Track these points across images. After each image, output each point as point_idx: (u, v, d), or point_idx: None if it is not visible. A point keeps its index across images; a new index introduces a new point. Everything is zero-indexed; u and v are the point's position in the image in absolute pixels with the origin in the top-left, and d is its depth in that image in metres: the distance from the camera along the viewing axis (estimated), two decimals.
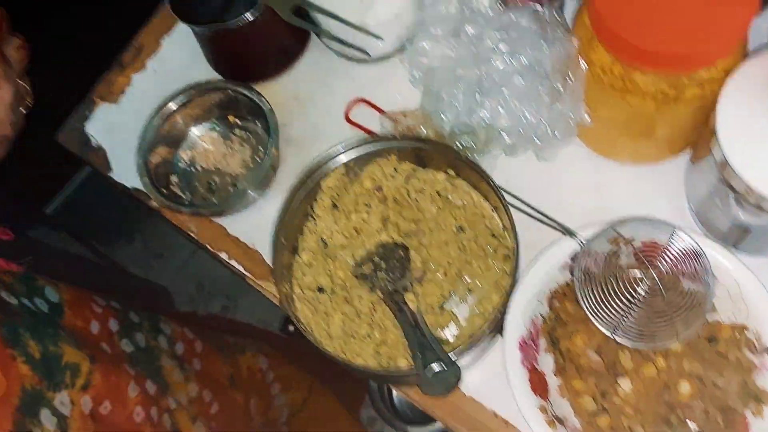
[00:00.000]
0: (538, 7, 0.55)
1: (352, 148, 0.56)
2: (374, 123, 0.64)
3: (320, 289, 0.56)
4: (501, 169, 0.58)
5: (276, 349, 1.03)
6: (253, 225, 0.63)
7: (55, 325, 0.54)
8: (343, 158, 0.57)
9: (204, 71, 0.68)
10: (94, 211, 1.34)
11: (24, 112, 0.51)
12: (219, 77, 0.68)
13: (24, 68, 0.51)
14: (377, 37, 0.58)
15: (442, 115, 0.56)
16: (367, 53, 0.58)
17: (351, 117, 0.65)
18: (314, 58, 0.67)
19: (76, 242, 1.35)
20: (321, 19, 0.60)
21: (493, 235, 0.56)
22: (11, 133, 0.50)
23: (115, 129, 0.68)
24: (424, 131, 0.57)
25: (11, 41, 0.50)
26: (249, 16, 0.59)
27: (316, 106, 0.66)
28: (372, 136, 0.61)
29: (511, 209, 0.54)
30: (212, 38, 0.63)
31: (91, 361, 0.53)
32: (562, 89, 0.51)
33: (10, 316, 0.50)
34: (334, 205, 0.58)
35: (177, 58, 0.70)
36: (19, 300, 0.54)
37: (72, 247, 1.33)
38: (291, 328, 1.18)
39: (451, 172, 0.57)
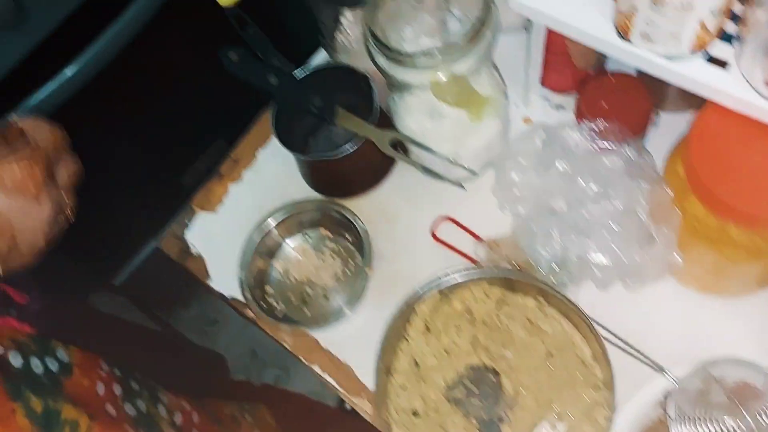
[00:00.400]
0: (626, 147, 0.59)
1: (449, 275, 0.59)
2: (461, 240, 0.67)
3: (415, 413, 0.58)
4: (591, 298, 0.60)
5: (330, 425, 1.04)
6: (344, 337, 0.66)
7: (58, 383, 0.57)
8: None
9: (296, 183, 0.73)
10: (153, 278, 1.39)
11: (64, 224, 0.53)
12: (311, 191, 0.72)
13: (72, 185, 0.53)
14: (473, 172, 0.61)
15: (533, 247, 0.59)
16: (463, 186, 0.62)
17: (437, 234, 0.68)
18: (401, 174, 0.71)
19: (136, 308, 1.39)
20: (415, 149, 0.63)
21: (583, 364, 0.58)
22: (45, 245, 0.52)
23: (213, 237, 0.72)
24: (515, 260, 0.60)
25: (65, 160, 0.52)
26: (349, 148, 0.63)
27: (403, 221, 0.70)
28: (468, 259, 0.64)
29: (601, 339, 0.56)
30: (311, 163, 0.68)
31: (90, 419, 0.55)
32: (656, 235, 0.54)
33: (14, 377, 0.53)
34: (427, 327, 0.61)
35: (271, 169, 0.74)
36: (27, 360, 0.56)
37: (129, 313, 1.37)
38: (348, 406, 1.20)
39: (542, 299, 0.60)
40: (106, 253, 1.26)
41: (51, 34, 0.88)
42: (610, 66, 0.67)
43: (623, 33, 0.52)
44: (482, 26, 0.52)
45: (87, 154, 1.12)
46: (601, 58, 0.66)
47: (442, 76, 0.54)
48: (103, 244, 1.22)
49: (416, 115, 0.61)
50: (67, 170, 0.51)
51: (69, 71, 0.93)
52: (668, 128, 0.64)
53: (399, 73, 0.55)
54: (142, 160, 1.17)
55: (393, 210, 0.70)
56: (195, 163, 1.27)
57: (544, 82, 0.69)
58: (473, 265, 0.64)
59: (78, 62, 0.93)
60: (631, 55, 0.52)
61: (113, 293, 1.39)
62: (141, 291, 1.40)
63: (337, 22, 0.64)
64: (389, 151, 0.62)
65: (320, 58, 0.80)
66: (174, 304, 1.47)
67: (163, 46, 1.05)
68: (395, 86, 0.57)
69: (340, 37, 0.65)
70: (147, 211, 1.28)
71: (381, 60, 0.55)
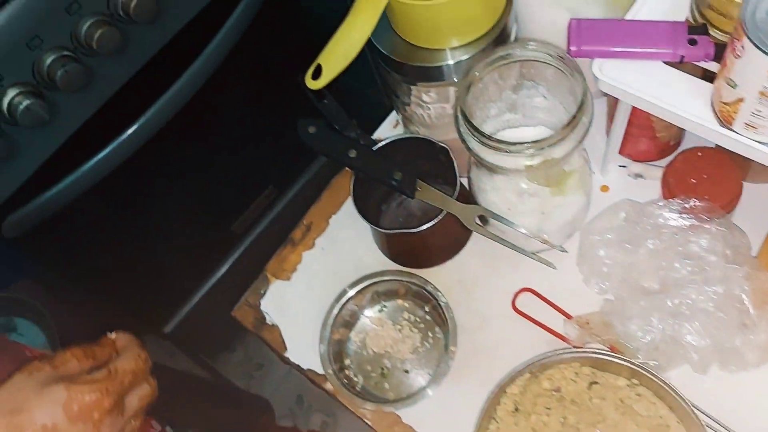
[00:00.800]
0: (718, 225, 0.58)
1: (539, 360, 0.59)
2: (542, 312, 0.66)
3: None
4: (686, 380, 0.59)
5: None
6: (426, 413, 0.65)
7: None
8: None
9: (370, 250, 0.73)
10: (201, 324, 1.39)
11: None
12: (385, 259, 0.72)
13: (141, 410, 0.50)
14: (562, 250, 0.61)
15: (626, 327, 0.58)
16: (553, 266, 0.61)
17: (518, 305, 0.67)
18: (479, 243, 0.71)
19: (182, 354, 1.39)
20: (500, 225, 0.63)
21: None
22: None
23: (288, 306, 0.72)
24: (606, 340, 0.59)
25: (140, 386, 0.49)
26: (430, 223, 0.63)
27: (481, 292, 0.69)
28: (554, 334, 0.63)
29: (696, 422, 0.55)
30: (390, 235, 0.68)
31: None
32: (757, 319, 0.53)
33: None
34: (516, 408, 0.60)
35: (344, 236, 0.74)
36: None
37: (175, 359, 1.38)
38: None
39: (635, 380, 0.59)
40: (156, 302, 1.27)
41: (115, 94, 0.90)
42: (690, 136, 0.66)
43: (725, 121, 0.51)
44: (579, 113, 0.52)
45: (141, 205, 1.13)
46: (683, 130, 0.66)
47: (537, 161, 0.54)
48: (154, 293, 1.23)
49: (503, 192, 0.61)
50: (139, 396, 0.49)
51: (134, 127, 0.95)
52: (755, 199, 0.64)
53: (492, 157, 0.55)
54: (195, 209, 1.18)
55: (470, 279, 0.70)
56: (246, 211, 1.28)
57: (623, 150, 0.69)
58: (563, 343, 0.63)
59: (140, 120, 0.95)
60: (733, 142, 0.51)
61: (159, 338, 1.40)
62: (188, 337, 1.41)
63: (416, 97, 0.64)
64: (475, 228, 0.62)
65: (390, 121, 0.80)
66: (219, 348, 1.47)
67: (222, 101, 1.07)
68: (484, 166, 0.57)
69: (418, 111, 0.65)
70: (197, 259, 1.29)
71: (473, 143, 0.55)
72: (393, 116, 0.80)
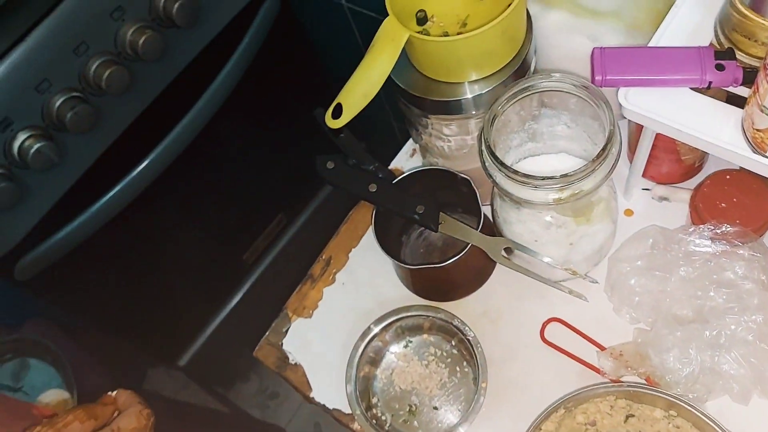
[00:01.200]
0: (752, 250, 0.56)
1: (573, 396, 0.57)
2: (571, 342, 0.65)
3: None
4: (726, 410, 0.57)
5: None
6: None
7: None
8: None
9: (392, 283, 0.71)
10: (214, 355, 1.38)
11: None
12: (408, 292, 0.71)
13: None
14: (593, 281, 0.60)
15: (662, 358, 0.56)
16: (585, 298, 0.60)
17: (546, 336, 0.66)
18: (503, 273, 0.69)
19: (195, 385, 1.38)
20: (526, 256, 0.62)
21: None
22: None
23: (310, 344, 0.71)
24: (641, 371, 0.58)
25: None
26: (455, 257, 0.61)
27: (508, 323, 0.68)
28: (586, 365, 0.62)
29: None
30: (413, 270, 0.66)
31: None
32: None
33: None
34: None
35: (365, 269, 0.73)
36: None
37: (188, 391, 1.36)
38: None
39: (672, 412, 0.57)
40: (169, 335, 1.25)
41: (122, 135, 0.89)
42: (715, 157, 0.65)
43: (759, 147, 0.50)
44: (609, 144, 0.51)
45: (151, 239, 1.12)
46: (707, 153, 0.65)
47: (566, 195, 0.53)
48: (166, 326, 1.21)
49: (529, 224, 0.60)
50: None
51: (143, 165, 0.94)
52: None
53: (519, 191, 0.54)
54: (206, 240, 1.17)
55: (496, 310, 0.68)
56: (256, 240, 1.27)
57: (646, 173, 0.68)
58: (595, 374, 0.61)
59: (153, 153, 0.94)
60: (766, 168, 0.50)
61: (172, 369, 1.38)
62: (203, 369, 1.39)
63: (436, 130, 0.63)
64: (501, 261, 0.61)
65: (406, 150, 0.79)
66: (234, 378, 1.45)
67: (229, 133, 1.06)
68: (510, 199, 0.56)
69: (438, 143, 0.64)
70: (210, 291, 1.27)
71: (499, 177, 0.54)
72: (409, 144, 0.79)
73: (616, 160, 0.53)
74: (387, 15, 0.56)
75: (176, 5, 0.82)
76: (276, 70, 1.07)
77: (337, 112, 0.58)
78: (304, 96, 1.17)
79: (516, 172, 0.52)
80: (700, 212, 0.60)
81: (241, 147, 1.11)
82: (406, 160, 0.78)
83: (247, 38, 0.99)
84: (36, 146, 0.77)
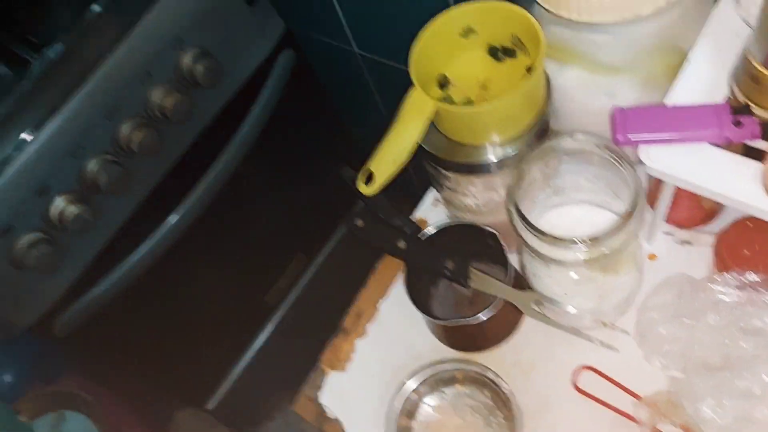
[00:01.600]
0: None
1: None
2: (604, 391, 0.66)
3: None
4: None
5: None
6: None
7: None
8: None
9: (423, 334, 0.73)
10: (240, 396, 1.39)
11: None
12: (438, 343, 0.72)
13: None
14: (624, 332, 0.61)
15: (696, 407, 0.57)
16: (616, 348, 0.61)
17: (579, 385, 0.67)
18: (532, 322, 0.70)
19: (222, 425, 1.39)
20: (555, 308, 0.63)
21: None
22: None
23: (347, 398, 0.72)
24: (677, 421, 0.59)
25: None
26: (488, 313, 0.63)
27: (540, 373, 0.69)
28: (622, 414, 0.63)
29: None
30: (446, 327, 0.68)
31: None
32: None
33: None
34: None
35: (396, 320, 0.75)
36: None
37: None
38: None
39: None
40: (196, 380, 1.27)
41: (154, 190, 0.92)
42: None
43: None
44: (637, 204, 0.53)
45: (178, 288, 1.14)
46: None
47: (595, 254, 0.54)
48: (193, 371, 1.23)
49: (558, 278, 0.61)
50: None
51: (172, 218, 0.97)
52: None
53: (548, 251, 0.56)
54: (230, 284, 1.19)
55: (527, 360, 0.70)
56: (278, 281, 1.29)
57: (669, 218, 0.69)
58: (629, 422, 0.62)
59: (181, 209, 0.97)
60: None
61: (198, 409, 1.39)
62: (230, 411, 1.40)
63: (462, 187, 0.65)
64: (533, 315, 0.63)
65: (429, 199, 0.81)
66: (259, 418, 1.46)
67: (254, 181, 1.09)
68: (540, 258, 0.58)
69: (465, 200, 0.66)
70: (234, 333, 1.29)
71: (529, 237, 0.56)
72: (431, 194, 0.81)
73: (643, 218, 0.54)
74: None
75: (202, 68, 0.85)
76: (295, 118, 1.10)
77: (368, 178, 0.60)
78: (322, 141, 1.20)
79: (545, 234, 0.54)
80: (724, 260, 0.61)
81: (263, 193, 1.14)
82: (430, 210, 0.80)
83: (267, 91, 1.02)
84: (74, 210, 0.80)
